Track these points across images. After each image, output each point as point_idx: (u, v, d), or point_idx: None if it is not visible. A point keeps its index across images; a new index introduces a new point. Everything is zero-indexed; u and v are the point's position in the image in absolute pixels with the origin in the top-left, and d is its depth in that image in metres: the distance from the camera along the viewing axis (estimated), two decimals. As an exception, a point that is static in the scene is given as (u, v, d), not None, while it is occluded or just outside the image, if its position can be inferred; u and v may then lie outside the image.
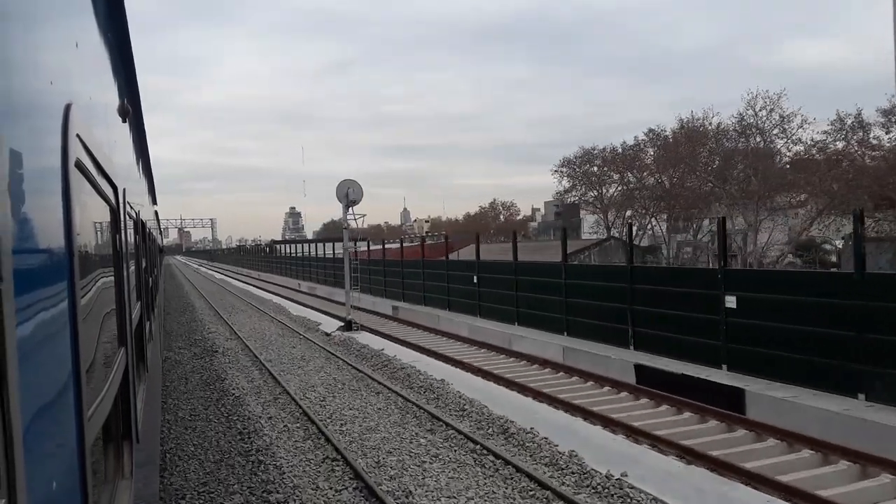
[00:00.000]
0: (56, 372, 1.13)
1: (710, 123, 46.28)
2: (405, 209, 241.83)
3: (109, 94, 2.66)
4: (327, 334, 19.48)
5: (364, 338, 18.31)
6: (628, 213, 59.37)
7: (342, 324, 20.23)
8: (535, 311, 18.90)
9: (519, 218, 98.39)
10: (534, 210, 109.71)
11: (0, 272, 0.80)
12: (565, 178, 62.06)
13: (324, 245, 54.40)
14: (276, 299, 33.90)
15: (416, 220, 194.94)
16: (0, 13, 0.89)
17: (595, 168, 60.01)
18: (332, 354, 15.56)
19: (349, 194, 20.62)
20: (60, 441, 1.13)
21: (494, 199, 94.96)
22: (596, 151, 58.99)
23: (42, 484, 0.98)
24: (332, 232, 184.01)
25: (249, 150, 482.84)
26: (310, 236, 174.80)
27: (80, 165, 1.45)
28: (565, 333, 16.44)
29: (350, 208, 20.69)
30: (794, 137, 44.37)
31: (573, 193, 64.40)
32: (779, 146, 43.92)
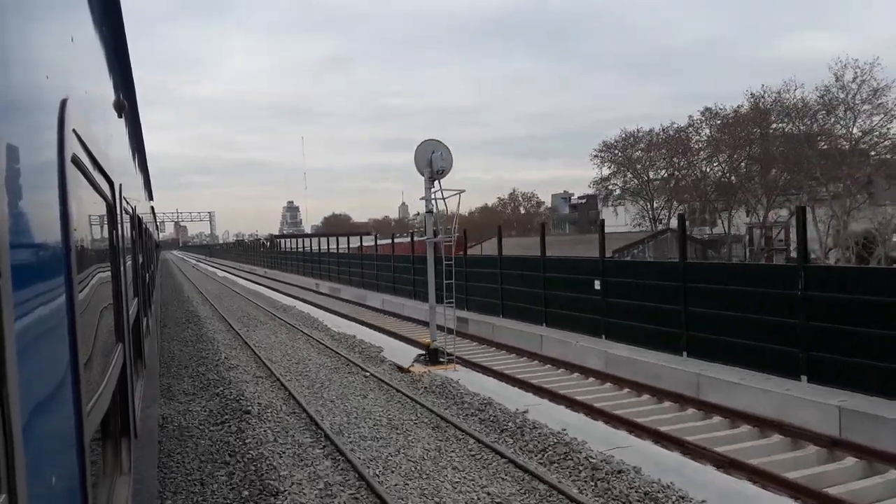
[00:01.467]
0: (54, 367, 1.15)
1: (793, 97, 39.06)
2: (403, 203, 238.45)
3: (105, 89, 2.68)
4: (402, 369, 14.32)
5: (469, 379, 12.87)
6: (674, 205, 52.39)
7: (421, 352, 15.17)
8: (727, 338, 13.61)
9: (541, 210, 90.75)
10: (538, 204, 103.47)
11: None
12: (606, 163, 54.48)
13: (326, 240, 47.21)
14: (299, 305, 29.43)
15: (417, 214, 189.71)
16: None
17: (639, 152, 52.45)
18: (440, 417, 10.26)
19: (433, 161, 14.34)
20: (59, 437, 1.16)
21: (514, 190, 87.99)
22: (640, 134, 51.64)
23: (41, 479, 1.00)
24: (332, 226, 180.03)
25: (248, 145, 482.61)
26: (308, 231, 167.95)
27: (76, 161, 1.47)
28: (804, 378, 12.08)
29: (436, 181, 14.49)
30: (891, 113, 37.09)
31: (612, 181, 56.85)
32: (873, 123, 36.74)
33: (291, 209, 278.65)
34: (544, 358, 16.73)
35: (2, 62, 0.91)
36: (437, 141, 14.78)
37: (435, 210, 14.66)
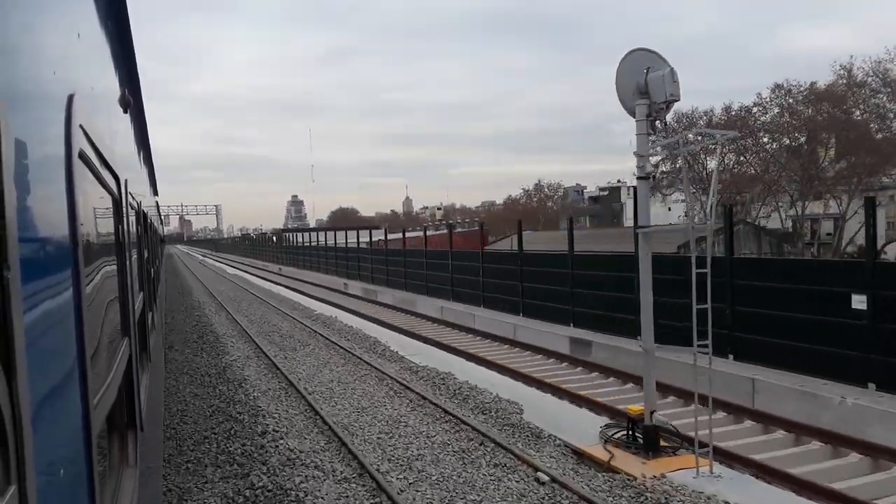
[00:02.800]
0: (62, 360, 1.18)
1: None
2: (408, 197, 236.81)
3: (111, 85, 2.68)
4: (596, 461, 8.37)
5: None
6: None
7: (605, 419, 9.96)
8: None
9: (568, 202, 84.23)
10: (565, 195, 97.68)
11: (7, 261, 0.83)
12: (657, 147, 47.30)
13: (334, 234, 40.79)
14: (340, 315, 23.52)
15: (425, 208, 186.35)
16: (3, 3, 0.93)
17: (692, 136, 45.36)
18: None
19: (651, 85, 8.12)
20: (67, 429, 1.19)
21: (539, 181, 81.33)
22: (695, 115, 45.00)
23: (50, 471, 1.02)
24: (339, 220, 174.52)
25: (250, 140, 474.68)
26: (313, 225, 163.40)
27: (83, 156, 1.50)
28: None
29: (657, 119, 8.30)
30: None
31: (661, 168, 49.54)
32: None
33: (296, 203, 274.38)
34: (798, 427, 10.04)
35: (9, 58, 0.93)
36: (653, 52, 8.16)
37: (655, 172, 8.08)
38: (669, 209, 75.89)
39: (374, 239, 41.21)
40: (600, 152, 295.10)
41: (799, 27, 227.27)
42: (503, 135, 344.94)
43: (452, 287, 26.55)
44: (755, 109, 47.78)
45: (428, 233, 34.26)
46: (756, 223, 46.67)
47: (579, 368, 15.79)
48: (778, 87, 46.66)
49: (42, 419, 0.95)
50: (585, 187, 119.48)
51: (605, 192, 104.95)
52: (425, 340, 19.43)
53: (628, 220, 73.32)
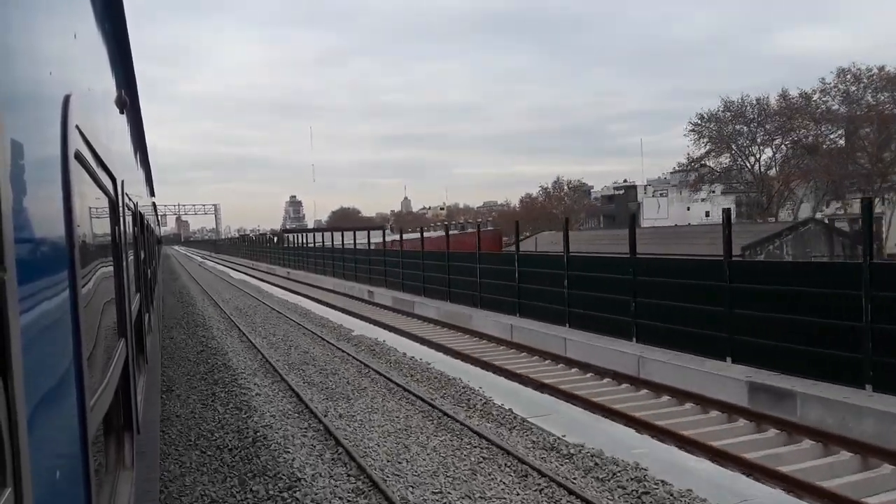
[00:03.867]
0: (58, 362, 1.17)
1: None
2: (406, 198, 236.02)
3: (107, 85, 2.64)
4: None
5: None
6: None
7: None
8: None
9: (587, 201, 79.62)
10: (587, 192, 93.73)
11: (3, 262, 0.82)
12: (704, 139, 42.81)
13: (333, 234, 36.97)
14: (386, 337, 17.56)
15: (426, 208, 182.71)
16: (0, 3, 0.96)
17: (742, 126, 40.77)
18: None
19: None
20: (64, 431, 1.19)
21: (559, 178, 76.47)
22: (745, 104, 40.26)
23: (46, 474, 1.01)
24: (340, 220, 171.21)
25: (247, 140, 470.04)
26: (311, 225, 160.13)
27: (79, 157, 1.49)
28: None
29: None
30: None
31: (706, 161, 45.19)
32: None
33: (294, 204, 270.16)
34: None
35: (6, 58, 0.92)
36: None
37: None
38: (688, 208, 70.68)
39: (395, 239, 36.30)
40: (596, 154, 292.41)
41: (797, 28, 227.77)
42: (501, 136, 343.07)
43: (519, 299, 20.92)
44: (816, 96, 42.91)
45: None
46: (827, 222, 41.90)
47: (806, 443, 9.69)
48: (843, 71, 41.75)
49: (39, 421, 0.94)
50: (592, 187, 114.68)
51: (621, 192, 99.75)
52: (524, 381, 13.50)
53: (646, 221, 68.02)
